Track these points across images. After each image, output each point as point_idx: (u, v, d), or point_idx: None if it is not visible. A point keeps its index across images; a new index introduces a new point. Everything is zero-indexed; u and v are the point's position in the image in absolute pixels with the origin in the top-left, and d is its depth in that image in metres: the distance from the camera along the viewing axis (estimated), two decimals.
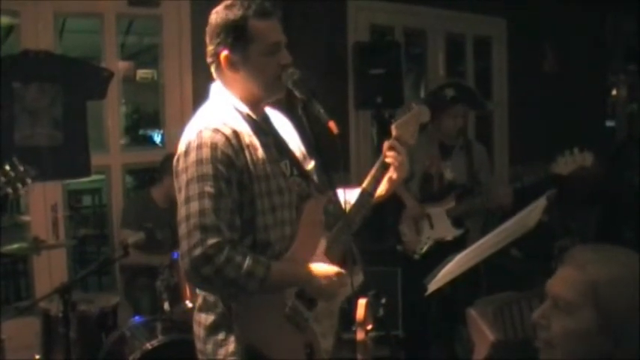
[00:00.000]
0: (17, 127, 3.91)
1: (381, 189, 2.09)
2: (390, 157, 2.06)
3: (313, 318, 1.94)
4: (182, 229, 1.77)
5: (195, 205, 1.75)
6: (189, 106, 4.32)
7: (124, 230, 3.91)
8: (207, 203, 1.74)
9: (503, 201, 3.82)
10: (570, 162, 3.45)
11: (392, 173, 2.07)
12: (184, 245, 1.75)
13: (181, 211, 1.78)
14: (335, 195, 2.00)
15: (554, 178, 3.47)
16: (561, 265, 1.37)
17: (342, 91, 5.03)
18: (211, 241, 1.72)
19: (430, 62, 5.69)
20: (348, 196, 2.08)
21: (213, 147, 1.78)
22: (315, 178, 2.06)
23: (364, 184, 2.08)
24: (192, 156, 1.79)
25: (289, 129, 2.09)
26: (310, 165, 2.08)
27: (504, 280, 4.13)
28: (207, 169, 1.76)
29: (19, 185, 2.79)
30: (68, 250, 4.36)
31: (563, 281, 1.34)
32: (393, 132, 2.11)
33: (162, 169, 3.98)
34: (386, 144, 2.10)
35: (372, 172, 2.09)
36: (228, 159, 1.79)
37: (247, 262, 1.75)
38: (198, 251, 1.72)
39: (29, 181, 2.82)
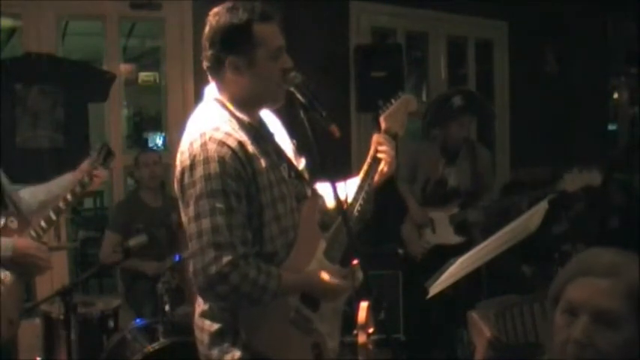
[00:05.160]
0: (18, 129, 3.92)
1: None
2: (380, 151, 2.06)
3: (318, 319, 1.94)
4: (194, 246, 1.75)
5: (206, 222, 1.73)
6: (191, 109, 4.28)
7: (110, 234, 3.93)
8: (220, 220, 1.73)
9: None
10: (578, 180, 3.43)
11: (383, 166, 2.07)
12: (198, 263, 1.73)
13: (191, 227, 1.76)
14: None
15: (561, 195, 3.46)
16: (582, 275, 1.33)
17: (343, 93, 5.04)
18: (226, 259, 1.71)
19: (432, 65, 5.69)
20: (348, 187, 2.08)
21: (221, 161, 1.75)
22: (306, 176, 2.06)
23: (357, 181, 2.08)
24: (200, 170, 1.76)
25: (278, 126, 2.07)
26: (302, 164, 2.07)
27: (505, 284, 4.13)
28: (217, 184, 1.74)
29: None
30: (69, 252, 4.36)
31: (602, 294, 1.28)
32: (382, 124, 2.10)
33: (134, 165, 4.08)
34: (375, 137, 2.09)
35: (364, 167, 2.08)
36: (236, 172, 1.77)
37: (261, 276, 1.76)
38: (213, 270, 1.71)
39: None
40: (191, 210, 1.76)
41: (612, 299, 1.27)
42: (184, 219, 1.81)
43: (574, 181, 3.43)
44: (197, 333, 1.95)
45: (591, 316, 1.28)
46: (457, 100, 4.00)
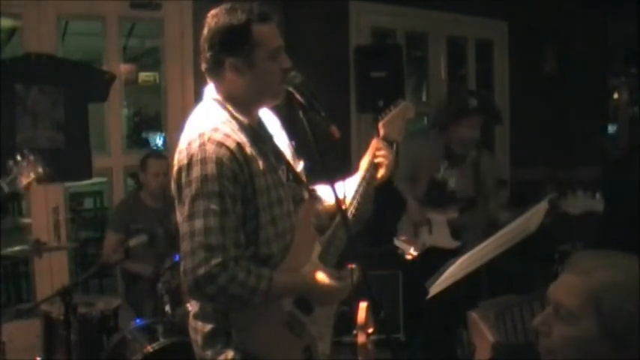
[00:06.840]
0: (19, 129, 3.92)
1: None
2: (379, 156, 2.07)
3: (311, 322, 1.94)
4: (185, 246, 1.75)
5: (200, 223, 1.73)
6: (191, 109, 4.28)
7: (111, 233, 3.93)
8: (213, 221, 1.72)
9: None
10: (581, 206, 3.40)
11: (381, 172, 2.09)
12: (188, 263, 1.73)
13: (184, 227, 1.76)
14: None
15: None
16: (564, 271, 1.35)
17: (343, 94, 5.04)
18: (215, 260, 1.70)
19: (432, 65, 5.69)
20: (347, 186, 2.08)
21: (219, 162, 1.74)
22: (304, 178, 2.05)
23: (354, 185, 2.09)
24: (197, 170, 1.75)
25: (277, 126, 2.07)
26: (300, 166, 2.07)
27: (505, 284, 4.13)
28: (213, 186, 1.73)
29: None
30: (69, 252, 4.37)
31: (565, 288, 1.31)
32: (381, 130, 2.12)
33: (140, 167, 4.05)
34: (373, 142, 2.11)
35: (362, 172, 2.09)
36: (233, 174, 1.76)
37: (250, 278, 1.75)
38: (202, 270, 1.70)
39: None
40: (186, 209, 1.76)
41: (572, 295, 1.29)
42: (179, 217, 1.81)
43: (577, 206, 3.39)
44: (192, 334, 1.95)
45: (553, 308, 1.32)
46: (473, 101, 3.98)
